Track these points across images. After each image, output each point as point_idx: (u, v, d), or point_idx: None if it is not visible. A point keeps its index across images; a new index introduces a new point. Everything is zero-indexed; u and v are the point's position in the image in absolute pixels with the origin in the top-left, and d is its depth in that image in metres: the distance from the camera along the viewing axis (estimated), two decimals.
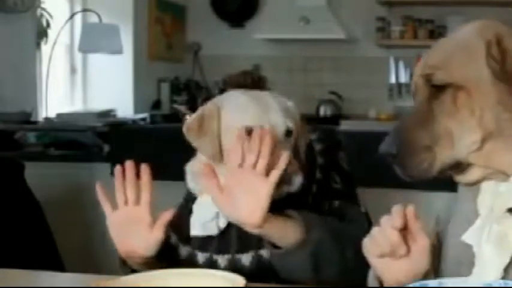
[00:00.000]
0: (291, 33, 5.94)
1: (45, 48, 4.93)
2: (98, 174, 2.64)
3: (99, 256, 2.58)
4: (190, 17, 6.36)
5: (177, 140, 1.56)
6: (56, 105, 4.95)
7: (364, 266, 1.23)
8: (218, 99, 1.53)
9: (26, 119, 4.04)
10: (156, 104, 5.77)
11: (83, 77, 5.48)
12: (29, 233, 2.41)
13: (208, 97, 6.41)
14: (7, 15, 4.34)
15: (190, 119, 1.52)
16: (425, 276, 1.18)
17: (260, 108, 1.47)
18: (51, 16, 4.94)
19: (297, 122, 1.51)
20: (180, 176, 1.61)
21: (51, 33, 4.95)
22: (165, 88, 5.87)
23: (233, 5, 6.23)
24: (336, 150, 1.65)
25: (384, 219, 1.16)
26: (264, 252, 1.48)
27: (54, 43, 4.91)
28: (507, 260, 1.11)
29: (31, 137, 3.70)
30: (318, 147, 1.61)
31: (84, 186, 2.67)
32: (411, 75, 6.66)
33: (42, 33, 4.87)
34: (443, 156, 1.13)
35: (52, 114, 4.54)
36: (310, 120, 1.81)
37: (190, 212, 1.56)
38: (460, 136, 1.12)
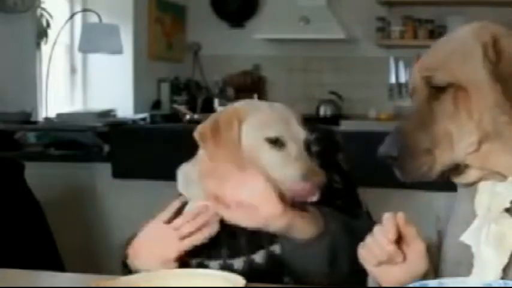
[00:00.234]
0: (291, 33, 5.94)
1: (45, 48, 4.93)
2: (98, 174, 2.65)
3: (99, 256, 2.58)
4: (190, 17, 6.36)
5: (177, 140, 1.56)
6: (56, 105, 4.95)
7: None
8: (235, 109, 1.52)
9: (26, 119, 4.04)
10: (156, 104, 5.77)
11: (83, 77, 5.48)
12: (29, 233, 2.41)
13: (209, 97, 6.39)
14: (7, 15, 4.34)
15: (202, 126, 1.50)
16: (425, 276, 1.18)
17: (283, 121, 1.49)
18: (51, 16, 4.94)
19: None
20: None
21: (51, 33, 4.95)
22: (165, 88, 5.88)
23: (233, 5, 6.23)
24: (335, 151, 1.65)
25: (377, 229, 1.18)
26: (256, 257, 1.49)
27: (54, 43, 4.91)
28: (506, 260, 1.11)
29: (31, 137, 3.69)
30: (315, 148, 1.61)
31: (84, 186, 2.67)
32: (411, 75, 6.67)
33: (42, 33, 4.87)
34: (443, 159, 1.13)
35: (52, 114, 4.54)
36: (310, 120, 1.80)
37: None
38: (459, 138, 1.12)
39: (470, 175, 1.16)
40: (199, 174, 1.50)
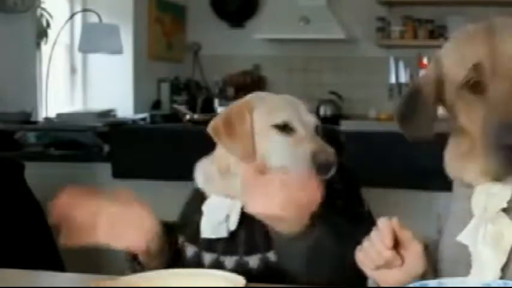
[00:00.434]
0: (291, 33, 5.94)
1: (45, 48, 4.93)
2: (98, 174, 2.65)
3: (99, 256, 2.58)
4: (190, 17, 6.36)
5: (177, 140, 1.56)
6: (56, 105, 4.95)
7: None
8: (246, 101, 1.55)
9: (26, 119, 4.04)
10: (156, 104, 5.77)
11: (83, 77, 5.49)
12: (29, 233, 2.41)
13: (209, 97, 6.38)
14: (7, 15, 4.34)
15: (214, 121, 1.52)
16: (424, 276, 1.18)
17: (291, 107, 1.53)
18: (51, 16, 4.95)
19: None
20: (180, 175, 1.61)
21: (51, 33, 4.95)
22: (165, 88, 5.88)
23: (233, 5, 6.23)
24: (339, 151, 1.65)
25: (374, 234, 1.18)
26: (271, 256, 1.48)
27: (54, 43, 4.91)
28: (504, 260, 1.11)
29: (31, 137, 3.69)
30: None
31: (84, 186, 2.67)
32: (411, 75, 6.61)
33: (42, 33, 4.87)
34: None
35: (52, 114, 4.54)
36: None
37: (195, 211, 1.55)
38: None
39: None
40: (218, 172, 1.51)
